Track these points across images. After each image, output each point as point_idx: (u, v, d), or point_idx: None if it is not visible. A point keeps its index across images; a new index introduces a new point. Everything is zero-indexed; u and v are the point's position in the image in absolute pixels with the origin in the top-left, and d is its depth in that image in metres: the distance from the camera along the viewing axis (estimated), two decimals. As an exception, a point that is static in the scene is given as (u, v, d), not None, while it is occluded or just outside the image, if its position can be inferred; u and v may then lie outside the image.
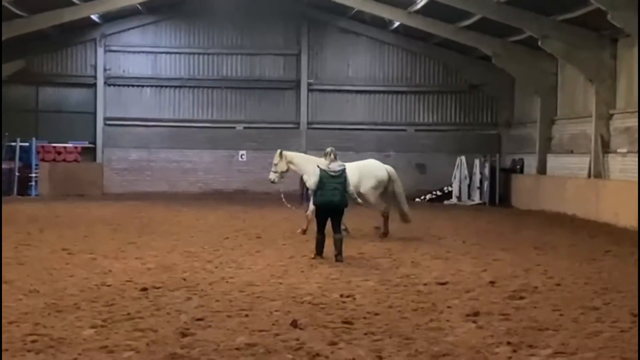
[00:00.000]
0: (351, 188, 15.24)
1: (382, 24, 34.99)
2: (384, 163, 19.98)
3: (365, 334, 8.70)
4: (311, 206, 18.58)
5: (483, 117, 36.77)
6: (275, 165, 19.73)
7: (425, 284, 12.09)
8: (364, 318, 9.53)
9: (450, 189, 34.59)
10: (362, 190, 18.46)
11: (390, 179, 19.11)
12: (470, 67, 35.61)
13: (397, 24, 33.88)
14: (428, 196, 34.71)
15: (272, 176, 19.83)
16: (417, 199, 34.34)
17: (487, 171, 33.13)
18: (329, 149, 15.27)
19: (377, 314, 9.75)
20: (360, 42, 36.37)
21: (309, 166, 18.83)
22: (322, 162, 15.09)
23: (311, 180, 14.96)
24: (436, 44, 35.08)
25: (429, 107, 36.64)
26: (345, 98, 36.49)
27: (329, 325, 9.05)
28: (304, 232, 18.81)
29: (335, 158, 15.07)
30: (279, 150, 19.97)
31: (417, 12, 30.75)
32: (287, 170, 19.81)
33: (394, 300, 10.72)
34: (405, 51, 36.39)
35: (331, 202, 14.73)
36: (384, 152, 35.40)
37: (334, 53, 36.40)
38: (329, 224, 14.71)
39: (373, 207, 19.27)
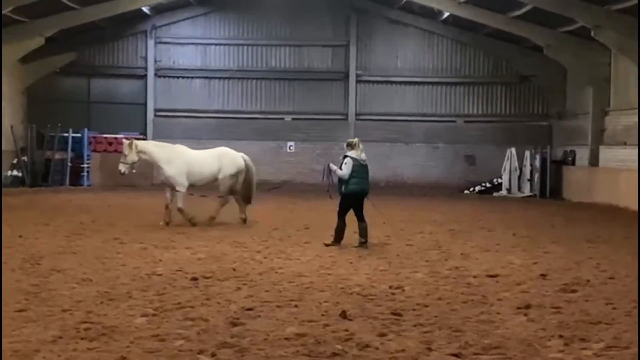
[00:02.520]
0: None
1: (431, 14, 34.75)
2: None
3: (415, 325, 8.66)
4: (179, 195, 18.90)
5: (534, 108, 36.37)
6: (126, 156, 18.85)
7: (475, 277, 12.00)
8: (413, 310, 9.49)
9: (500, 180, 34.29)
10: (220, 177, 19.21)
11: (246, 167, 19.69)
12: (521, 57, 35.21)
13: (446, 14, 33.64)
14: (477, 188, 34.48)
15: (122, 167, 18.87)
16: (466, 191, 34.19)
17: (537, 163, 32.76)
18: (355, 139, 15.57)
19: (426, 306, 9.70)
20: (409, 33, 36.18)
21: (162, 155, 19.01)
22: (352, 152, 15.28)
23: (343, 171, 15.09)
24: (486, 34, 34.75)
25: (479, 98, 36.34)
26: (394, 89, 36.33)
27: (378, 317, 9.03)
28: (168, 224, 18.69)
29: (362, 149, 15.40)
30: (128, 141, 19.03)
31: (467, 2, 30.55)
32: (138, 160, 19.08)
33: (444, 292, 10.65)
34: (455, 42, 36.11)
35: (363, 190, 15.26)
36: (432, 144, 35.25)
37: (383, 44, 36.25)
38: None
39: (224, 195, 19.52)
